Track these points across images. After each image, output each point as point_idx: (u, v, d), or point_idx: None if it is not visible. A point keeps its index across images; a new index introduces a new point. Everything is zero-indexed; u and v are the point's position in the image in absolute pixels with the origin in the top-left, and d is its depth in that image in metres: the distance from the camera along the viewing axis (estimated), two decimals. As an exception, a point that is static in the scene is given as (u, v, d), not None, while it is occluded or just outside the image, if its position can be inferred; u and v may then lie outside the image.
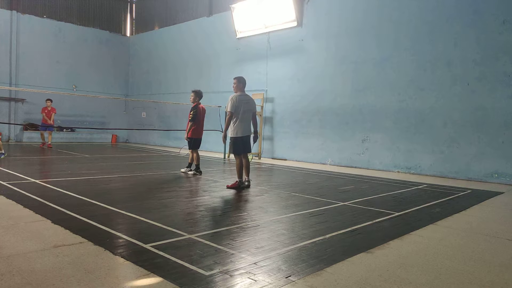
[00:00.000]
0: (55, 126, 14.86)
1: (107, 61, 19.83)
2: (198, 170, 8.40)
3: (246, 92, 6.86)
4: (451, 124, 9.47)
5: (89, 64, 19.06)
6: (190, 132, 8.41)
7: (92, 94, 17.81)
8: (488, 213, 5.49)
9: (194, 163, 8.50)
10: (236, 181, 6.63)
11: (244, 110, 6.50)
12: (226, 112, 6.97)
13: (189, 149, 8.65)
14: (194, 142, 8.49)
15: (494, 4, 8.85)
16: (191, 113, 8.39)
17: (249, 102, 6.65)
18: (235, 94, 6.64)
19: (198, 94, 8.53)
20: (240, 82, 6.71)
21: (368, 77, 11.01)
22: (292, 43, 12.89)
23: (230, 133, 6.61)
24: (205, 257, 3.17)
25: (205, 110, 8.68)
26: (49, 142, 14.03)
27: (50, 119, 13.99)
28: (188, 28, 17.20)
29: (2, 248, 3.19)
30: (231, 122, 6.55)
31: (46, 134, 14.23)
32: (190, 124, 8.40)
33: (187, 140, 8.56)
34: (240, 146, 6.56)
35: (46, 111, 13.99)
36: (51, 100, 14.17)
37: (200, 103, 8.56)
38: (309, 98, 12.39)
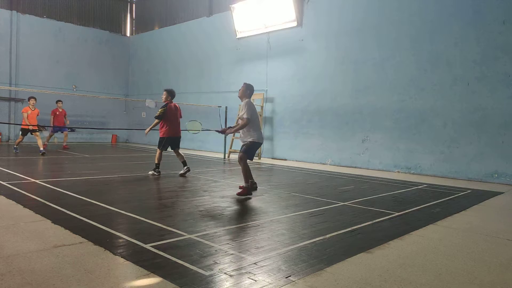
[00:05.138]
0: (67, 126, 14.19)
1: (107, 61, 19.83)
2: (156, 170, 8.05)
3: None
4: (451, 124, 9.46)
5: (89, 64, 19.06)
6: (161, 132, 8.06)
7: (92, 94, 17.80)
8: (488, 213, 5.49)
9: (155, 162, 8.09)
10: (244, 187, 6.11)
11: (257, 116, 6.32)
12: (241, 118, 6.18)
13: (158, 147, 8.18)
14: (166, 142, 8.06)
15: (494, 4, 8.85)
16: (160, 110, 7.98)
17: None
18: (249, 99, 6.28)
19: (170, 93, 8.25)
20: (248, 89, 6.36)
21: (368, 77, 11.01)
22: (292, 43, 12.89)
23: (249, 137, 6.12)
24: (205, 257, 3.17)
25: (177, 108, 8.32)
26: (65, 143, 14.11)
27: (62, 123, 13.46)
28: (188, 28, 17.20)
29: (2, 248, 3.19)
30: (250, 126, 6.07)
31: (62, 135, 14.14)
32: (156, 121, 7.99)
33: (146, 134, 8.28)
34: (254, 152, 6.26)
35: (57, 113, 13.48)
36: (61, 102, 13.75)
37: (172, 102, 8.21)
38: (309, 98, 12.39)
